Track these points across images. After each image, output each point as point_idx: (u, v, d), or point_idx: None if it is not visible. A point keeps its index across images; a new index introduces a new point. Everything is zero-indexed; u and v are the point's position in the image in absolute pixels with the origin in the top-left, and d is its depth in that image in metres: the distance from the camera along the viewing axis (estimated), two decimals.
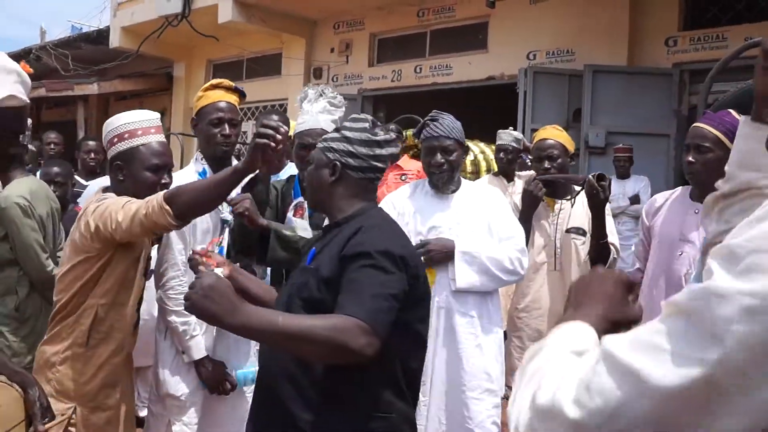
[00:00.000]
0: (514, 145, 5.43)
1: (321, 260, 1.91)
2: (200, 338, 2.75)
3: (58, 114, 12.83)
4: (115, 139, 2.49)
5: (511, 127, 6.00)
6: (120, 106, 13.43)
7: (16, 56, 13.48)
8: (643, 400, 0.68)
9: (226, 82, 2.87)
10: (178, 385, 2.75)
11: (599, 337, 0.91)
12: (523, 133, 6.83)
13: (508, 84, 8.46)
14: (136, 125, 2.48)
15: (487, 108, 9.21)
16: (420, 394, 2.87)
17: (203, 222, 2.78)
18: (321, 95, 2.87)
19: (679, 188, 3.12)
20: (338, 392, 1.85)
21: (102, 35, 12.17)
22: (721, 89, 3.05)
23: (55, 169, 4.34)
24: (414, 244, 2.90)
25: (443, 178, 3.01)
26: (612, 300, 1.05)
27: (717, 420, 0.65)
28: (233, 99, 2.86)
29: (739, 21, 7.19)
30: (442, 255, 2.89)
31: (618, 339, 0.74)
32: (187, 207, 2.18)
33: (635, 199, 6.59)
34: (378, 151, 1.97)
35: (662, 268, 2.92)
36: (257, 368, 2.65)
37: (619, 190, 6.46)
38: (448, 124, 3.00)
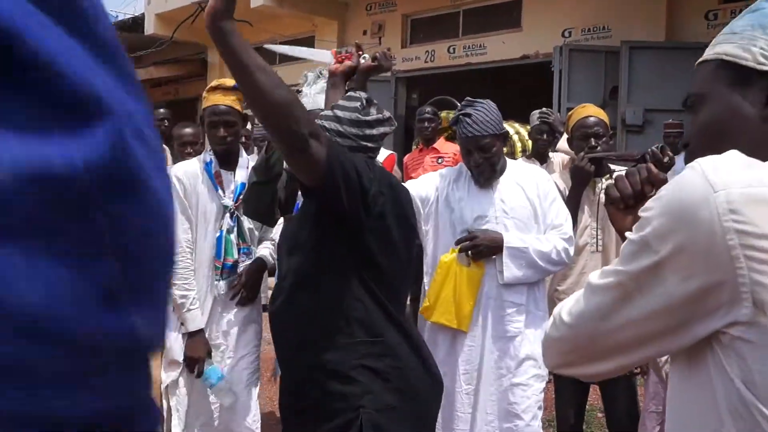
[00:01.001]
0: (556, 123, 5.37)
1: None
2: (197, 312, 2.90)
3: None
4: None
5: (544, 108, 5.93)
6: (156, 92, 13.58)
7: None
8: (592, 298, 1.08)
9: (226, 83, 2.94)
10: (181, 351, 2.93)
11: None
12: (559, 112, 6.75)
13: (542, 62, 8.37)
14: None
15: (522, 87, 9.12)
16: (464, 382, 2.89)
17: (203, 208, 2.92)
18: (319, 76, 2.86)
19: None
20: (326, 327, 1.94)
21: (137, 22, 12.34)
22: None
23: None
24: (459, 235, 2.90)
25: (485, 175, 2.95)
26: None
27: (628, 307, 1.03)
28: (231, 99, 2.94)
29: None
30: (490, 250, 2.86)
31: (595, 273, 1.14)
32: None
33: None
34: (368, 131, 2.01)
35: None
36: (223, 378, 2.90)
37: None
38: (481, 119, 2.85)
